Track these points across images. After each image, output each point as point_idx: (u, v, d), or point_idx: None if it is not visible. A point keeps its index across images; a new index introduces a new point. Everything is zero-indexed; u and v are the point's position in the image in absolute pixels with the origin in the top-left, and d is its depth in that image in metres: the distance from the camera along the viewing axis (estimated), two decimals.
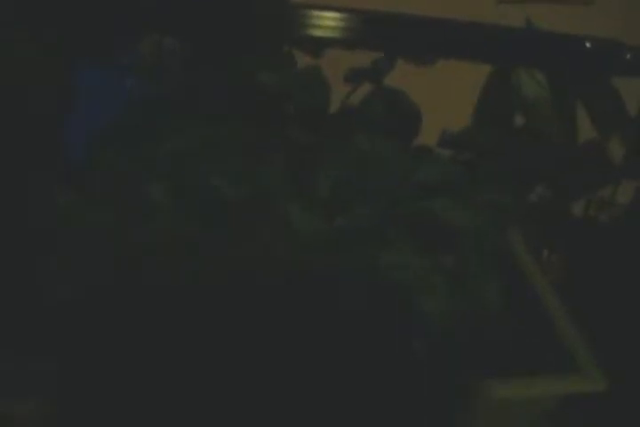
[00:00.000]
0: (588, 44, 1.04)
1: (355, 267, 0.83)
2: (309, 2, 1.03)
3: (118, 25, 1.08)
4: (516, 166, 1.18)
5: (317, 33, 1.01)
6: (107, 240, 0.82)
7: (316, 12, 1.02)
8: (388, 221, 0.87)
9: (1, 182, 0.95)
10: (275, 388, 0.78)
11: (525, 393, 0.88)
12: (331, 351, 0.79)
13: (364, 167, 0.91)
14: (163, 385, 0.77)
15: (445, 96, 1.18)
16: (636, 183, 1.22)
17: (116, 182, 0.87)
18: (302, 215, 0.85)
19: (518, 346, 0.91)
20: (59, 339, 0.80)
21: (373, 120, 0.99)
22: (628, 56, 1.01)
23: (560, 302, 0.97)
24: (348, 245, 0.85)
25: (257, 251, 0.82)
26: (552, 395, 0.89)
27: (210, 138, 0.90)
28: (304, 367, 0.79)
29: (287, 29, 1.01)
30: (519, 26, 1.20)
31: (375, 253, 0.85)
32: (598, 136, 1.21)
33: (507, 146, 1.20)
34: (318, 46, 1.03)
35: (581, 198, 1.23)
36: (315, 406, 0.79)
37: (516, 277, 1.00)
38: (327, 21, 1.02)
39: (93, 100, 1.06)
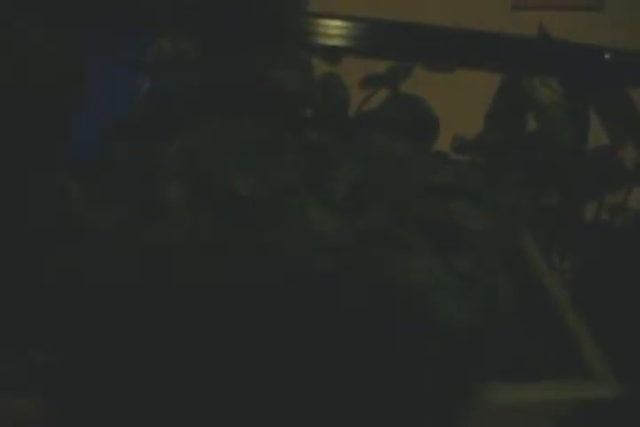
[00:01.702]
0: (603, 55, 1.05)
1: (370, 267, 0.84)
2: (327, 11, 1.04)
3: (130, 23, 1.08)
4: (528, 170, 1.19)
5: (334, 42, 1.02)
6: (116, 240, 0.82)
7: (333, 22, 1.03)
8: (403, 222, 0.87)
9: (6, 181, 0.95)
10: (283, 388, 0.78)
11: (534, 398, 0.87)
12: (341, 351, 0.79)
13: (381, 168, 0.91)
14: (165, 385, 0.77)
15: (459, 101, 1.18)
16: None
17: (128, 181, 0.87)
18: (320, 215, 0.85)
19: (529, 349, 0.91)
20: (60, 338, 0.80)
21: (390, 124, 1.00)
22: None
23: (573, 306, 0.97)
24: (365, 246, 0.85)
25: (274, 251, 0.82)
26: (563, 400, 0.89)
27: (227, 136, 0.90)
28: (314, 367, 0.79)
29: (305, 38, 1.01)
30: (533, 32, 1.21)
31: (390, 255, 0.85)
32: (610, 141, 1.22)
33: (519, 150, 1.20)
34: (336, 54, 1.03)
35: (593, 203, 1.23)
36: (325, 406, 0.79)
37: (527, 279, 1.00)
38: (344, 30, 1.03)
39: (101, 98, 1.06)
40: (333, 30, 1.03)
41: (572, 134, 1.20)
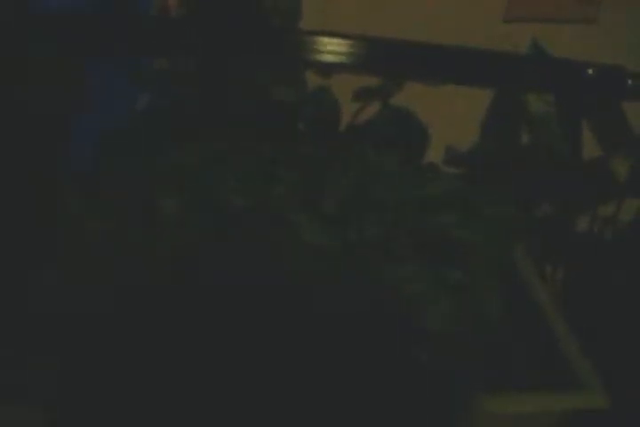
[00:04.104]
0: (592, 71, 1.05)
1: (361, 279, 0.84)
2: (322, 29, 1.04)
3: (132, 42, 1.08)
4: (521, 183, 1.19)
5: (328, 58, 1.02)
6: (112, 249, 0.83)
7: (327, 39, 1.03)
8: (394, 235, 0.88)
9: (8, 187, 0.96)
10: (277, 398, 0.78)
11: (526, 409, 0.88)
12: (334, 361, 0.80)
13: (372, 182, 0.91)
14: (163, 390, 0.78)
15: (452, 114, 1.19)
16: (639, 200, 1.23)
17: (126, 194, 0.87)
18: (311, 228, 0.85)
19: (519, 361, 0.91)
20: (59, 345, 0.81)
21: (381, 137, 1.00)
22: (630, 82, 1.02)
23: (563, 318, 0.98)
24: (356, 258, 0.85)
25: (266, 262, 0.83)
26: (553, 411, 0.89)
27: (221, 151, 0.90)
28: (307, 375, 0.79)
29: (300, 55, 1.01)
30: (525, 44, 1.21)
31: (381, 267, 0.85)
32: (603, 154, 1.22)
33: (513, 163, 1.20)
34: (328, 69, 1.03)
35: (586, 215, 1.23)
36: (316, 413, 0.79)
37: (519, 291, 1.00)
38: (337, 47, 1.03)
39: (102, 107, 1.06)
40: (325, 47, 1.04)
41: (564, 147, 1.21)
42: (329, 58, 1.02)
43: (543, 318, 0.98)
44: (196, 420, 0.78)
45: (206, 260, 0.82)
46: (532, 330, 0.96)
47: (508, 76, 1.05)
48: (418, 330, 0.83)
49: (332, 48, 1.03)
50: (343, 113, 1.02)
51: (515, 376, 0.89)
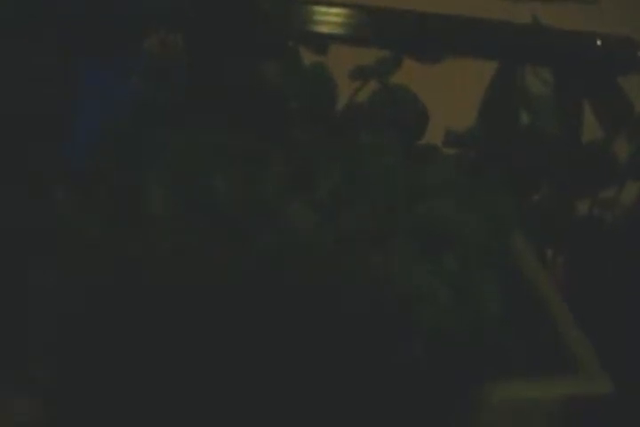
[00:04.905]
0: (598, 42, 1.04)
1: (354, 269, 0.83)
2: None
3: (119, 24, 1.08)
4: (520, 166, 1.19)
5: (322, 29, 1.01)
6: (104, 246, 0.82)
7: (321, 8, 1.02)
8: (388, 224, 0.86)
9: (5, 186, 0.95)
10: (272, 395, 0.78)
11: (527, 395, 0.87)
12: (329, 355, 0.79)
13: (366, 168, 0.90)
14: (164, 389, 0.77)
15: (450, 94, 1.19)
16: None
17: (115, 189, 0.87)
18: (302, 216, 0.84)
19: (521, 349, 0.90)
20: (58, 342, 0.80)
21: (379, 118, 0.99)
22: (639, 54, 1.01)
23: (564, 304, 0.97)
24: (349, 247, 0.84)
25: (257, 252, 0.81)
26: (555, 397, 0.88)
27: (212, 146, 0.89)
28: (300, 372, 0.78)
29: (292, 25, 1.01)
30: (525, 22, 1.21)
31: (375, 257, 0.84)
32: (603, 135, 1.21)
33: (512, 145, 1.20)
34: (323, 43, 1.03)
35: (586, 198, 1.22)
36: (311, 412, 0.78)
37: (519, 279, 1.00)
38: (332, 17, 1.02)
39: (95, 102, 1.05)
40: (320, 17, 1.03)
41: (564, 129, 1.20)
42: (325, 29, 1.01)
43: (543, 304, 0.97)
44: (196, 419, 0.77)
45: (197, 255, 0.81)
46: (533, 316, 0.96)
47: (510, 47, 1.04)
48: (415, 324, 0.82)
49: (328, 18, 1.02)
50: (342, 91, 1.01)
51: (514, 363, 0.88)
